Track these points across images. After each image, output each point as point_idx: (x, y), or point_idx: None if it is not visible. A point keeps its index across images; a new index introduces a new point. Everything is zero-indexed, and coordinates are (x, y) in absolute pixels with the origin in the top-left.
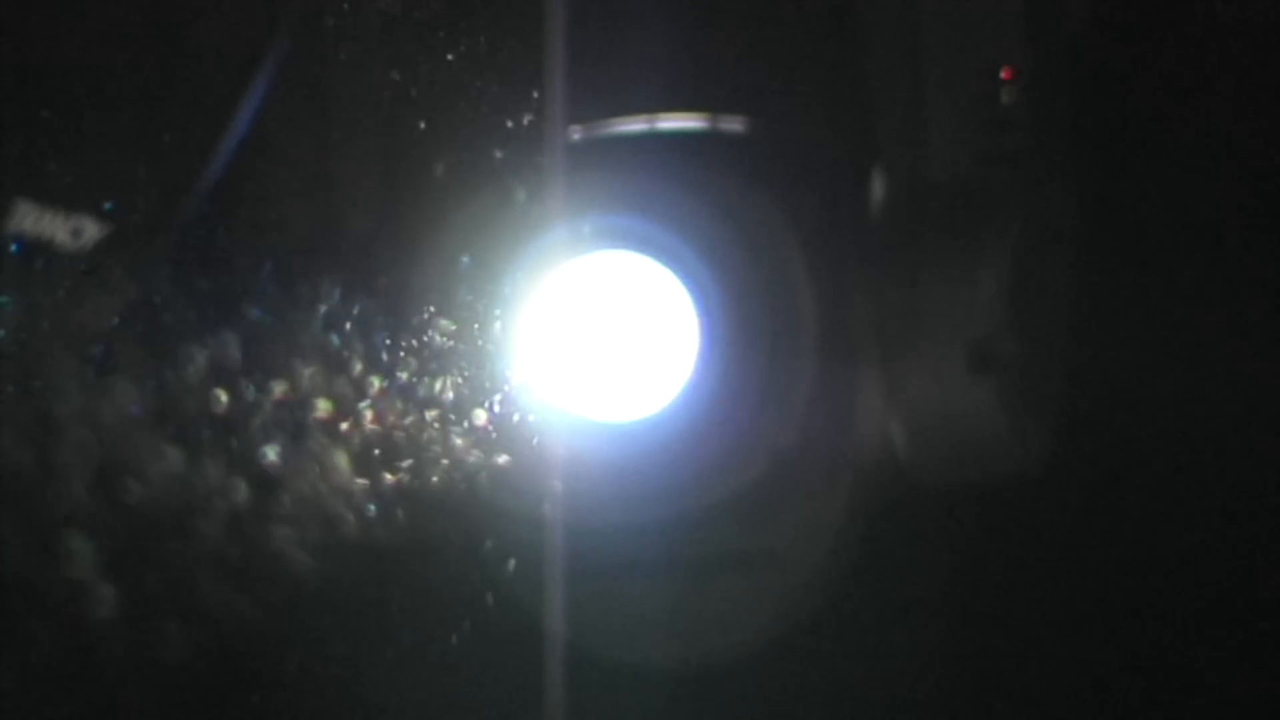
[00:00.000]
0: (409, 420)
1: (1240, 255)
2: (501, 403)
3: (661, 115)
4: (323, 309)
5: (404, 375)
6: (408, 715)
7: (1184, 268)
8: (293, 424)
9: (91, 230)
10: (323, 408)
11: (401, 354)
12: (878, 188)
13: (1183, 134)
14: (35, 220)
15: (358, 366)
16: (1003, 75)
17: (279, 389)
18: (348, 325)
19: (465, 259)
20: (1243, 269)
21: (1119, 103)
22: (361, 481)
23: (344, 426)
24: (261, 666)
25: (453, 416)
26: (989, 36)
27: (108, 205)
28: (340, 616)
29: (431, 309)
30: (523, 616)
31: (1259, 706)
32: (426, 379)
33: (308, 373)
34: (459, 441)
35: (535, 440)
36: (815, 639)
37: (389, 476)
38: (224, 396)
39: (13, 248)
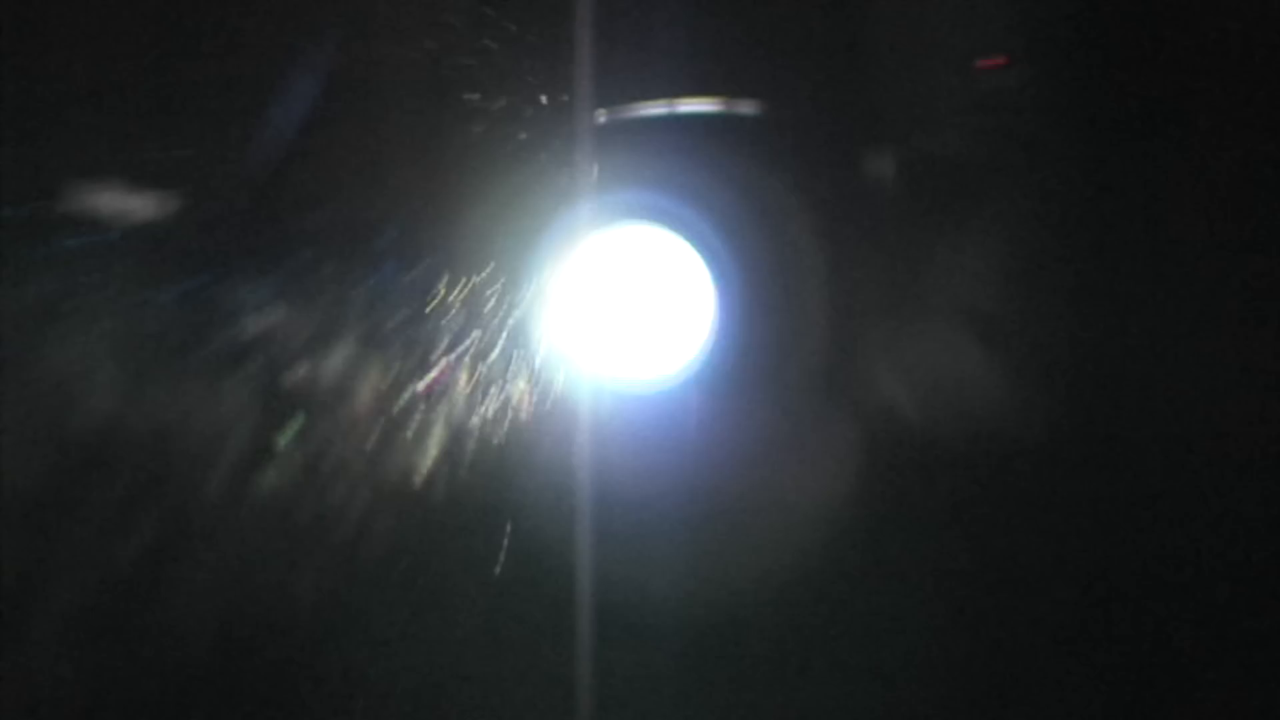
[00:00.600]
0: (448, 379)
1: (1240, 236)
2: (533, 364)
3: (681, 99)
4: (367, 285)
5: (443, 339)
6: (442, 664)
7: (1185, 245)
8: (338, 388)
9: (169, 205)
10: (368, 374)
11: (441, 320)
12: (884, 165)
13: (1183, 116)
14: (103, 203)
15: (401, 333)
16: (1001, 60)
17: (324, 357)
18: (394, 294)
19: (498, 233)
20: (1243, 249)
21: (1121, 85)
22: (402, 442)
23: (388, 390)
24: (303, 623)
25: (488, 376)
26: (989, 22)
27: (176, 183)
28: (382, 572)
29: (467, 279)
30: (552, 563)
31: (1261, 676)
32: (465, 343)
33: (350, 344)
34: (494, 401)
35: (565, 399)
36: (825, 590)
37: (431, 434)
38: (276, 367)
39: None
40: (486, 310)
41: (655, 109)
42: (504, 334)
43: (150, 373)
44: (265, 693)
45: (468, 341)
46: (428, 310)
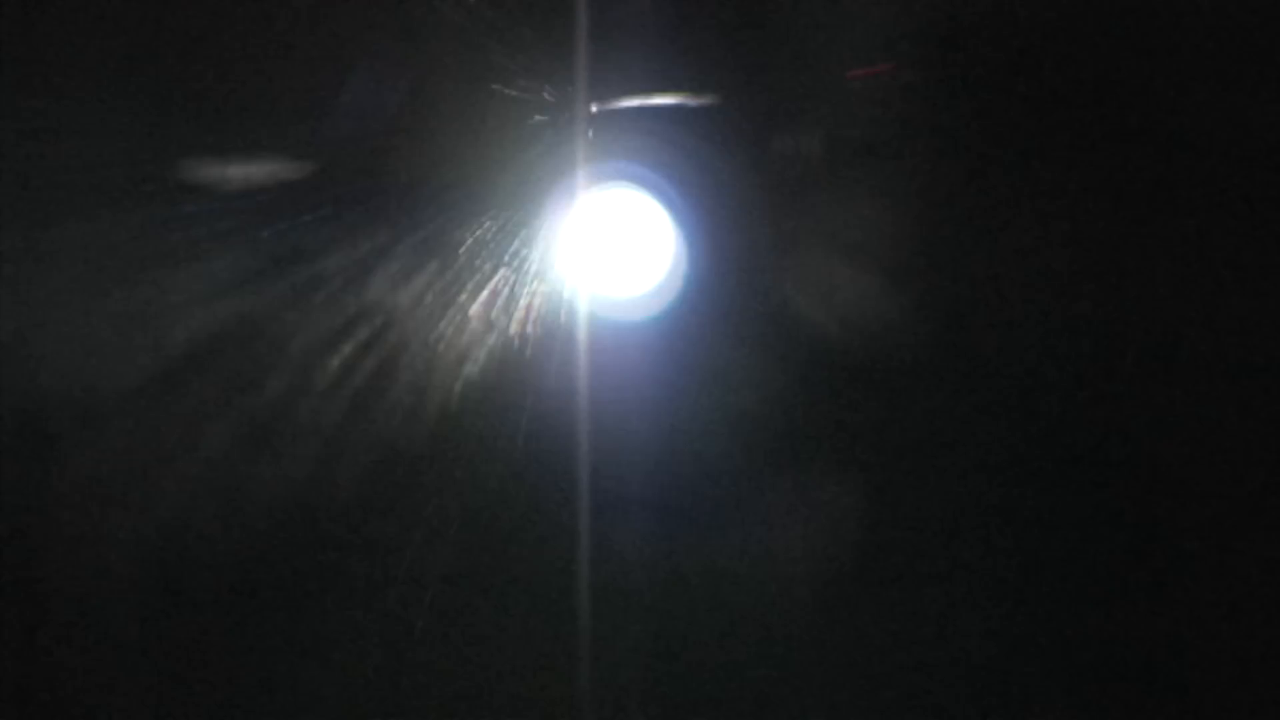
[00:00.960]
0: (477, 301)
1: (1078, 182)
2: (541, 288)
3: (654, 95)
4: (417, 227)
5: (474, 274)
6: (465, 534)
7: (1040, 196)
8: (396, 307)
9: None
10: (418, 294)
11: (475, 261)
12: (810, 143)
13: (1045, 102)
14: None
15: (443, 268)
16: (876, 69)
17: (383, 283)
18: (436, 235)
19: (517, 191)
20: (1077, 191)
21: (992, 86)
22: (442, 347)
23: (432, 306)
24: (351, 502)
25: (509, 296)
26: (886, 41)
27: (280, 154)
28: (418, 457)
29: (491, 225)
30: (555, 447)
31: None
32: (488, 276)
33: (405, 271)
34: (513, 315)
35: (565, 315)
36: (768, 454)
37: (463, 341)
38: (344, 290)
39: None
40: (507, 248)
41: (635, 102)
42: (520, 266)
43: (251, 295)
44: (315, 565)
45: (493, 271)
46: (461, 248)
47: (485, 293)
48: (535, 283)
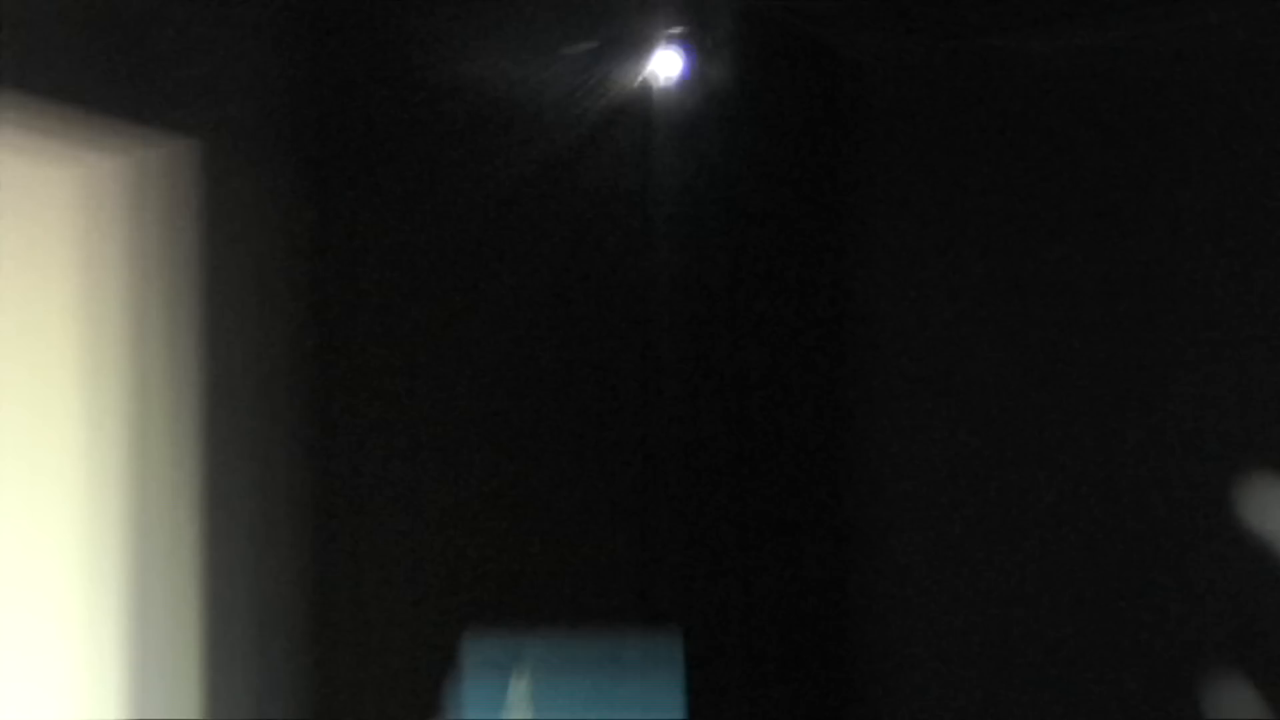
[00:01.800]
0: (611, 90)
1: None
2: (636, 80)
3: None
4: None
5: (614, 81)
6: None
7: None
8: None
9: None
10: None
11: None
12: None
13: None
14: None
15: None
16: None
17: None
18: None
19: (631, 48)
20: None
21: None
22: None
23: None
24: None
25: (625, 88)
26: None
27: None
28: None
29: (622, 61)
30: (639, 152)
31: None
32: (621, 79)
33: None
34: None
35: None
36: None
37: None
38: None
39: None
40: (623, 67)
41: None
42: (630, 74)
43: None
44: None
45: (629, 71)
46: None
47: (617, 86)
48: (636, 79)
